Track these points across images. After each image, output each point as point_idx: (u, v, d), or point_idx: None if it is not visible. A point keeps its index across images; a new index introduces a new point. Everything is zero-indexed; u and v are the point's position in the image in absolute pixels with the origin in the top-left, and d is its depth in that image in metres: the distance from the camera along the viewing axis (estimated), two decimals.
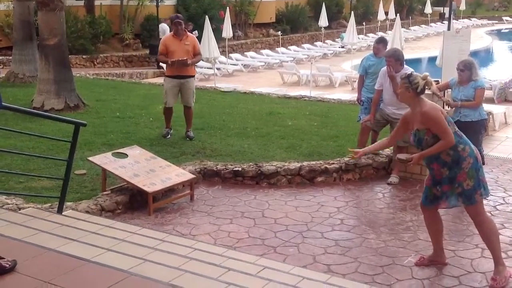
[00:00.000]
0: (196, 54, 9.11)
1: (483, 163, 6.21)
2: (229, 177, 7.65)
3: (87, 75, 18.00)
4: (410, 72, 5.15)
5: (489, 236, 4.89)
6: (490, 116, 10.80)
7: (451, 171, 4.82)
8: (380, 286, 4.87)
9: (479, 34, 37.87)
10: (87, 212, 6.10)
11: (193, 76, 9.27)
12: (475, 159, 4.82)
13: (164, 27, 22.82)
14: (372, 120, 7.89)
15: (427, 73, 5.01)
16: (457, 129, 4.93)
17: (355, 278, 4.96)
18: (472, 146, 4.92)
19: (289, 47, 29.09)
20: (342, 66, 24.16)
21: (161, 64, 16.43)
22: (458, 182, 4.80)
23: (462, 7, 44.95)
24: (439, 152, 4.81)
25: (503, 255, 5.04)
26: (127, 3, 25.27)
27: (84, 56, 22.25)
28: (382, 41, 8.51)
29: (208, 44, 17.76)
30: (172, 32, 9.16)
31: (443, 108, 8.07)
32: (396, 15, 21.70)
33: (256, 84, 19.13)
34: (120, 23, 24.84)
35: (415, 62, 23.91)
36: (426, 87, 4.91)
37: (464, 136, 4.93)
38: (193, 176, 7.16)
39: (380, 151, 8.37)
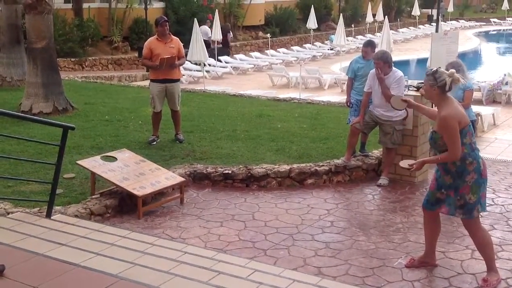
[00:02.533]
0: (180, 56, 9.02)
1: None
2: (219, 180, 7.64)
3: (76, 78, 17.90)
4: (435, 69, 4.94)
5: (484, 246, 4.92)
6: (479, 117, 10.87)
7: (454, 181, 4.81)
8: None
9: (467, 36, 38.10)
10: (76, 216, 6.07)
11: (178, 80, 9.17)
12: (479, 175, 4.78)
13: (205, 29, 24.20)
14: (362, 122, 7.90)
15: (453, 70, 4.91)
16: (473, 140, 4.83)
17: (345, 280, 4.96)
18: (480, 160, 4.84)
19: (278, 49, 29.11)
20: (331, 68, 24.20)
21: None
22: (461, 194, 4.79)
23: (450, 9, 45.24)
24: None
25: None
26: (116, 6, 25.20)
27: (72, 59, 22.16)
28: (370, 44, 8.54)
29: (197, 47, 17.74)
30: (156, 35, 9.02)
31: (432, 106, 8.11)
32: (384, 17, 21.78)
33: (246, 86, 19.12)
34: (109, 26, 24.76)
35: (403, 64, 24.00)
36: (453, 84, 4.77)
37: (477, 150, 4.86)
38: (183, 179, 7.14)
39: (370, 153, 8.40)
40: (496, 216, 6.58)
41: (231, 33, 27.82)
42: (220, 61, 23.76)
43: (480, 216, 5.03)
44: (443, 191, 4.93)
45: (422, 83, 8.49)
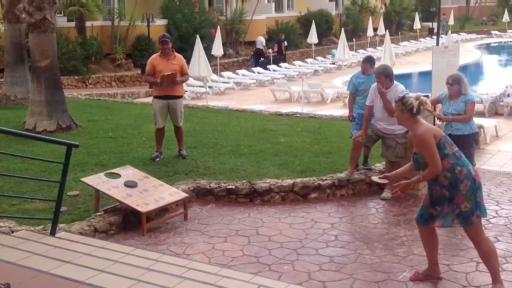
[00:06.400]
0: (183, 73, 9.06)
1: None
2: (223, 195, 7.65)
3: (79, 96, 17.99)
4: (403, 95, 5.19)
5: (488, 256, 4.91)
6: (481, 129, 10.88)
7: (449, 192, 4.84)
8: None
9: (468, 49, 38.17)
10: (80, 233, 6.08)
11: (181, 97, 9.21)
12: (473, 181, 4.82)
13: (261, 39, 29.23)
14: (364, 135, 7.92)
15: (419, 93, 5.05)
16: (456, 149, 4.91)
17: None
18: (470, 167, 4.90)
19: (280, 64, 29.20)
20: (333, 82, 24.27)
21: None
22: (456, 204, 4.82)
23: (451, 21, 45.38)
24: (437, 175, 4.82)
25: None
26: (118, 24, 25.37)
27: (76, 77, 22.26)
28: (369, 60, 8.57)
29: (199, 63, 17.82)
30: (159, 52, 9.10)
31: (434, 122, 8.13)
32: (385, 31, 21.84)
33: (248, 101, 19.19)
34: (112, 44, 24.90)
35: (405, 77, 24.06)
36: (421, 106, 4.92)
37: (463, 157, 4.93)
38: (186, 195, 7.15)
39: (373, 167, 8.41)
40: (500, 228, 6.57)
41: (285, 42, 30.43)
42: (222, 76, 23.88)
43: (482, 224, 5.01)
44: (437, 208, 4.96)
45: (425, 96, 8.51)
